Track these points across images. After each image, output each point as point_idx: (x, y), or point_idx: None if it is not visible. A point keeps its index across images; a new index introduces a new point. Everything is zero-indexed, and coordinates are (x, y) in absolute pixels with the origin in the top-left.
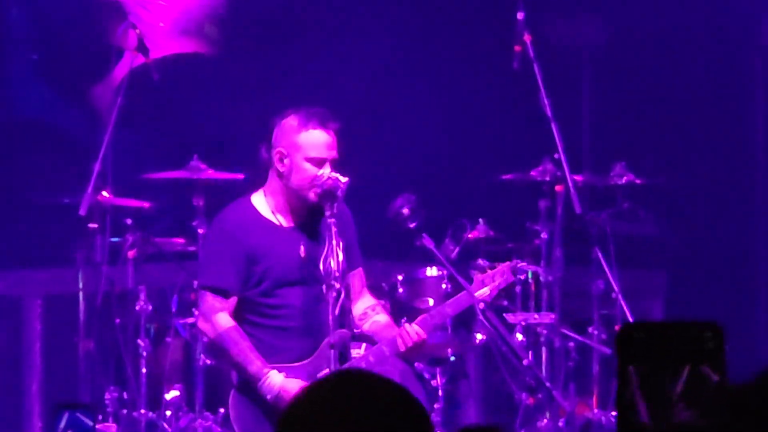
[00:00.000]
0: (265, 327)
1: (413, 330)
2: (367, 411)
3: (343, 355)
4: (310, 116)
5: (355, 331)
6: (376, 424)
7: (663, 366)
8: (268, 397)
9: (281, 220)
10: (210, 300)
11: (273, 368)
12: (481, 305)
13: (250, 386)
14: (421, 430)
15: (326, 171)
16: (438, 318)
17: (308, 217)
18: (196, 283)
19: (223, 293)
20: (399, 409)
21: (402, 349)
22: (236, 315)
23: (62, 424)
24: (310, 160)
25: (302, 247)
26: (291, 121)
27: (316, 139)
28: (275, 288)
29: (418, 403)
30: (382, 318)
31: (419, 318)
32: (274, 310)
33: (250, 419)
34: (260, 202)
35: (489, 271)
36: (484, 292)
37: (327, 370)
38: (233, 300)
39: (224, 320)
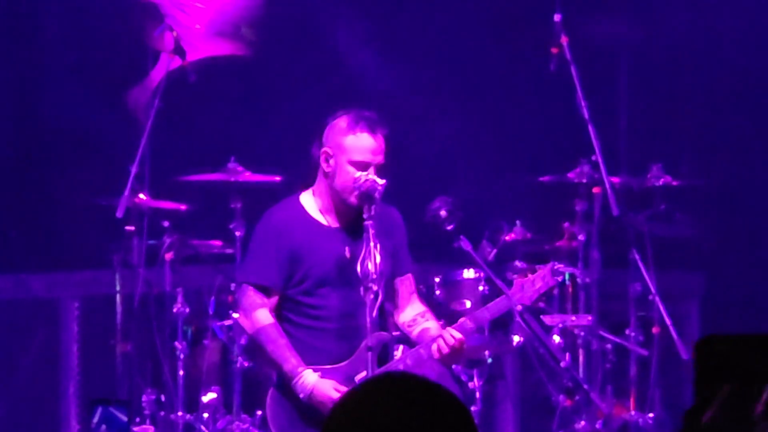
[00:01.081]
0: (304, 327)
1: (450, 335)
2: (411, 414)
3: (382, 358)
4: (359, 119)
5: (394, 333)
6: (421, 427)
7: (746, 383)
8: (301, 396)
9: (329, 220)
10: (251, 295)
11: (309, 368)
12: (519, 307)
13: (287, 386)
14: None
15: (371, 176)
16: (476, 322)
17: (355, 219)
18: (233, 285)
19: (264, 290)
20: (444, 411)
21: (438, 355)
22: (277, 313)
23: (96, 419)
24: (354, 163)
25: (347, 249)
26: (341, 122)
27: (362, 143)
28: (317, 288)
29: (463, 406)
30: (431, 324)
31: (458, 322)
32: (314, 310)
33: (286, 418)
34: (309, 201)
35: (530, 275)
36: (524, 296)
37: (364, 373)
38: (274, 297)
39: (263, 316)
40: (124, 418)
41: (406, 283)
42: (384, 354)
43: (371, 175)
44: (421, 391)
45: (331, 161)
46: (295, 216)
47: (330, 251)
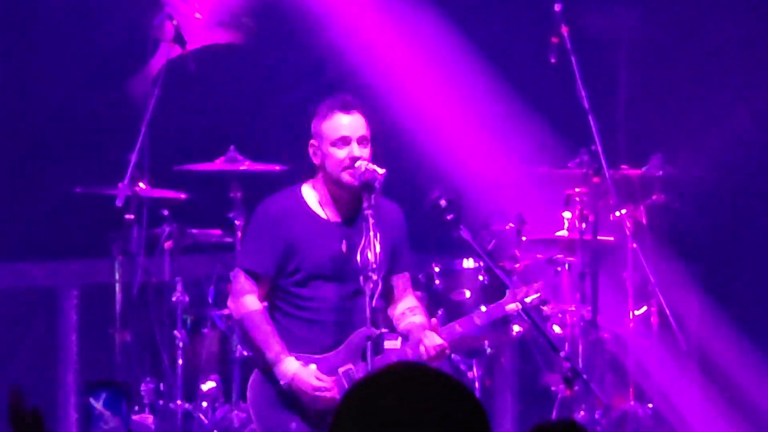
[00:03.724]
0: (293, 317)
1: (433, 343)
2: (423, 404)
3: (365, 353)
4: (331, 104)
5: (383, 330)
6: (433, 417)
7: None
8: (282, 382)
9: (328, 213)
10: (242, 281)
11: (291, 355)
12: (475, 319)
13: (270, 371)
14: (479, 424)
15: (356, 152)
16: (466, 328)
17: (354, 212)
18: (232, 273)
19: (255, 276)
20: (456, 401)
21: (425, 357)
22: (269, 301)
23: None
24: (334, 143)
25: (344, 243)
26: (318, 113)
27: (336, 123)
28: (309, 280)
29: (474, 396)
30: (417, 319)
31: (447, 325)
32: (305, 301)
33: (265, 402)
34: (309, 193)
35: (524, 287)
36: (515, 306)
37: (349, 366)
38: (264, 284)
39: (251, 302)
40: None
41: (402, 280)
42: (372, 349)
43: (370, 164)
44: (432, 381)
45: (318, 152)
46: (294, 206)
47: (325, 245)
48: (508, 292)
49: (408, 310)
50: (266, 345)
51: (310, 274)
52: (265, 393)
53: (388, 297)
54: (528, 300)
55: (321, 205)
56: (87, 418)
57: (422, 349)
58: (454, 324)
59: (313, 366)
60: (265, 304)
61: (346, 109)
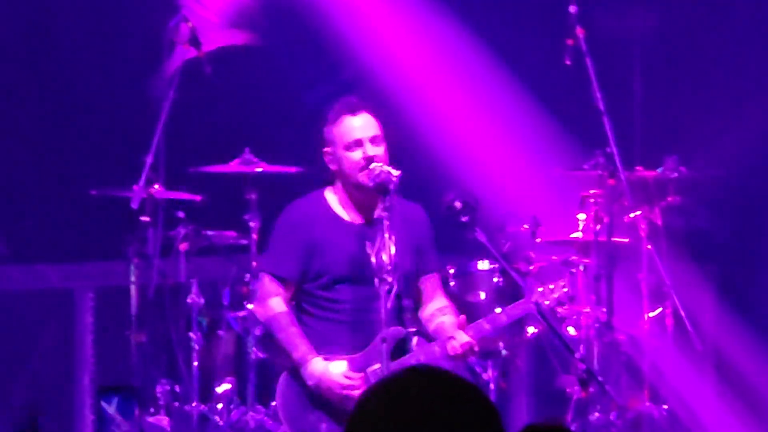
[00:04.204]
0: (320, 319)
1: (461, 341)
2: (437, 407)
3: (397, 352)
4: (338, 109)
5: (410, 329)
6: (447, 421)
7: None
8: (310, 382)
9: (351, 216)
10: (267, 284)
11: (318, 356)
12: (500, 313)
13: (298, 372)
14: (493, 427)
15: (370, 151)
16: (493, 325)
17: (376, 218)
18: (247, 276)
19: (281, 280)
20: (470, 405)
21: (452, 353)
22: (295, 303)
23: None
24: (347, 147)
25: (368, 245)
26: (328, 121)
27: (345, 127)
28: (335, 283)
29: (488, 400)
30: (446, 319)
31: (475, 323)
32: (331, 303)
33: (295, 404)
34: (331, 197)
35: (549, 285)
36: (541, 301)
37: (378, 366)
38: (289, 288)
39: (276, 305)
40: (137, 409)
41: (431, 281)
42: (399, 348)
43: (385, 166)
44: (447, 385)
45: (333, 158)
46: (317, 210)
47: (349, 247)
48: (528, 289)
49: (437, 310)
50: (293, 346)
51: (335, 277)
52: (294, 395)
53: (418, 299)
54: (555, 295)
55: (344, 209)
56: (100, 422)
57: (450, 346)
58: (482, 321)
59: (344, 363)
60: (292, 305)
61: (353, 111)
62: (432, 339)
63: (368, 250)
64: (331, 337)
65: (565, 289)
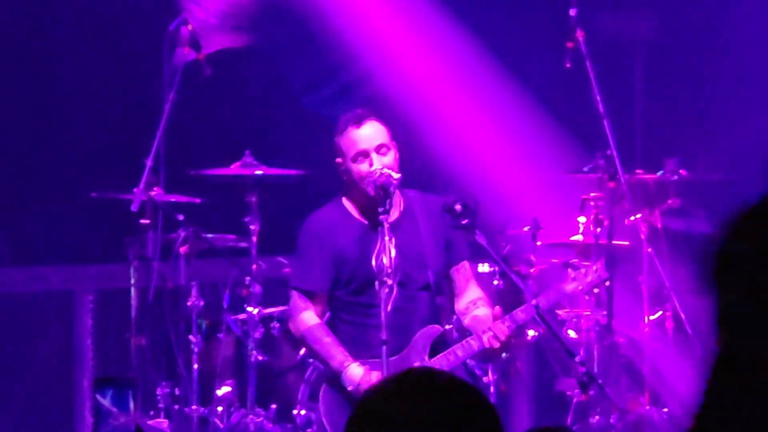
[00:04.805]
0: (356, 324)
1: (496, 334)
2: (435, 410)
3: (434, 351)
4: (345, 121)
5: (446, 327)
6: (446, 423)
7: None
8: (350, 388)
9: (371, 220)
10: (296, 300)
11: (355, 361)
12: (534, 302)
13: (338, 381)
14: (493, 430)
15: (377, 162)
16: (528, 315)
17: (399, 217)
18: (248, 279)
19: (309, 294)
20: (468, 408)
21: (489, 346)
22: (331, 312)
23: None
24: (354, 159)
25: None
26: (337, 131)
27: (352, 139)
28: (366, 287)
29: (488, 403)
30: (480, 312)
31: (510, 314)
32: (365, 308)
33: (338, 412)
34: (349, 204)
35: (582, 270)
36: (574, 286)
37: (418, 364)
38: (320, 299)
39: (308, 318)
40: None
41: (461, 271)
42: (436, 347)
43: (386, 169)
44: (447, 387)
45: (344, 169)
46: (338, 218)
47: (374, 250)
48: (569, 272)
49: (471, 303)
50: (329, 356)
51: (365, 281)
52: (336, 402)
53: (451, 291)
54: (589, 279)
55: (362, 214)
56: (97, 416)
57: (486, 339)
58: (516, 312)
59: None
60: (327, 316)
61: (357, 122)
62: (467, 332)
63: (393, 252)
64: (369, 341)
65: (598, 273)
